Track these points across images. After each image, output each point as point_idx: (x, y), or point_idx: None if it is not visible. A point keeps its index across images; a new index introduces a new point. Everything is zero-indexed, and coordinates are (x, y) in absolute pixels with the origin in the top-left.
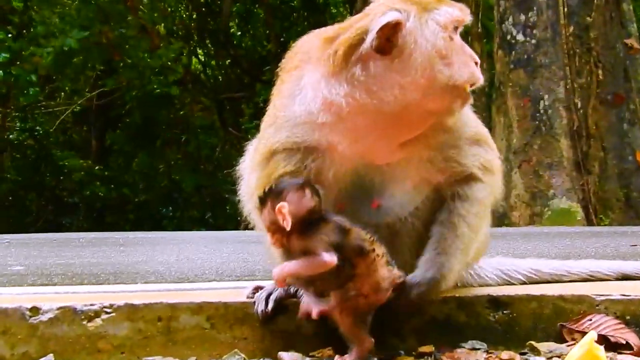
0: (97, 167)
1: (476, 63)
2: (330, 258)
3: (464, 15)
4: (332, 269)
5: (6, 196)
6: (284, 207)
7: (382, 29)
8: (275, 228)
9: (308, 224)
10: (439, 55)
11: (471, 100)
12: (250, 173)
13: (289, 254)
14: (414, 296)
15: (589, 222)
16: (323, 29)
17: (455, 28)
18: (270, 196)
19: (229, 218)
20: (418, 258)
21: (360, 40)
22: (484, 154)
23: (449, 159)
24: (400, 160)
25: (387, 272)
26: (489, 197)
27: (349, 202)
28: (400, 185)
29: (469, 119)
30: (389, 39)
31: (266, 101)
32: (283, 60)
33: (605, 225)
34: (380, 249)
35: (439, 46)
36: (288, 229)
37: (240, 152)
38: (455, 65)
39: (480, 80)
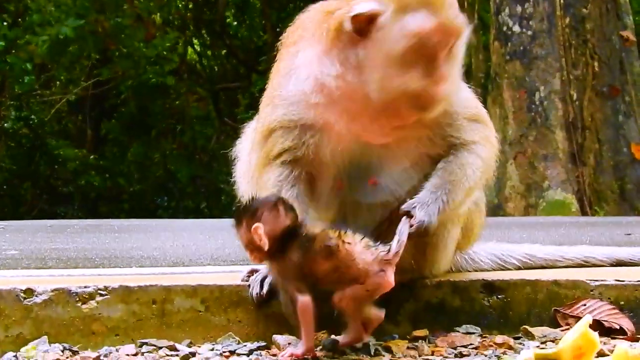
0: (92, 157)
1: (440, 83)
2: (303, 299)
3: (443, 28)
4: (312, 279)
5: (0, 185)
6: (260, 227)
7: (356, 16)
8: (252, 247)
9: (285, 239)
10: (396, 61)
11: (440, 109)
12: (250, 153)
13: None
14: (426, 218)
15: (584, 214)
16: (327, 2)
17: (442, 42)
18: (245, 216)
19: (224, 208)
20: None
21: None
22: (483, 130)
23: (448, 137)
24: (397, 140)
25: (369, 255)
26: (490, 160)
27: (347, 179)
28: (397, 163)
29: (467, 101)
30: (371, 22)
31: (262, 91)
32: (284, 34)
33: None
34: (353, 237)
35: (397, 52)
36: (266, 248)
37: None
38: (409, 76)
39: (437, 102)
